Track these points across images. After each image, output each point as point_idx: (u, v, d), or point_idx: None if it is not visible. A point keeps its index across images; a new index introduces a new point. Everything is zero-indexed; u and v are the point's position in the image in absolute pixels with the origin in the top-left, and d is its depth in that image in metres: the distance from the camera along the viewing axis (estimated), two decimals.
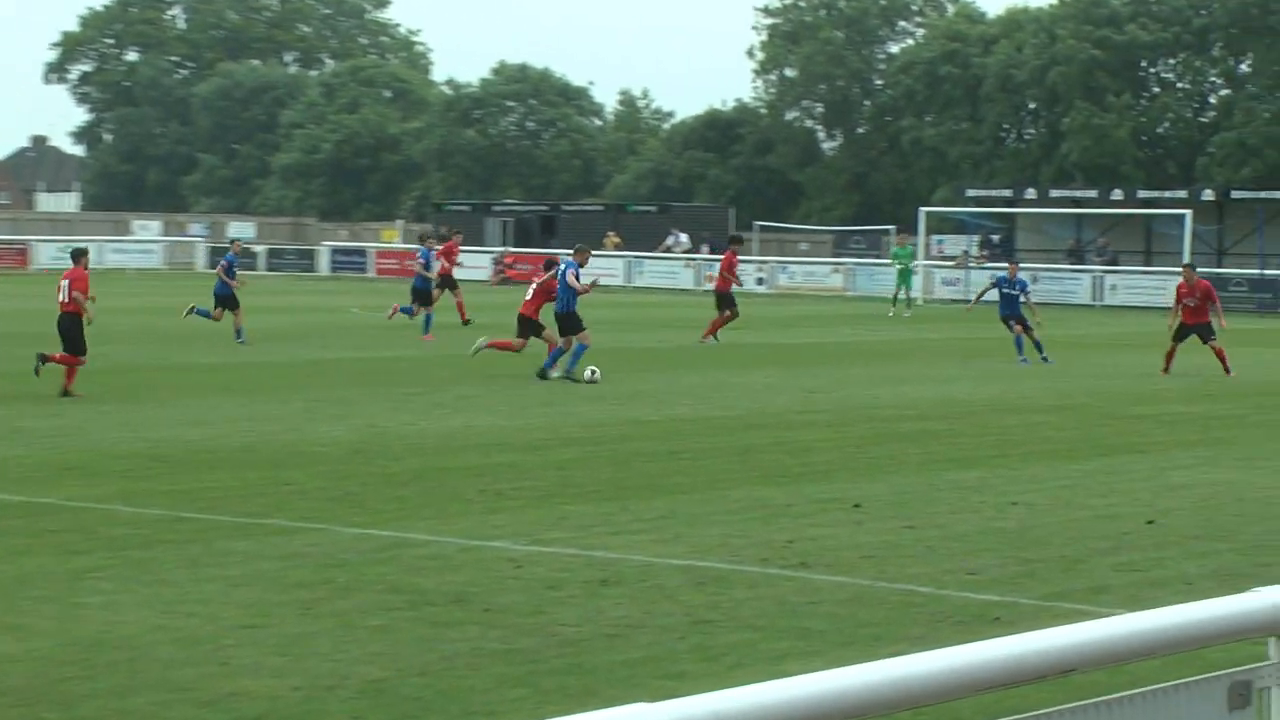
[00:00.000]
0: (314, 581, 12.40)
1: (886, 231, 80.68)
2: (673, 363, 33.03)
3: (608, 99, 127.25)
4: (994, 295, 35.18)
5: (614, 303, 42.62)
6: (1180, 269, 34.14)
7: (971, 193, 75.12)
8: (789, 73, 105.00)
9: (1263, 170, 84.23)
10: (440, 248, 41.59)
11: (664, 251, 74.27)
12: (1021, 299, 34.32)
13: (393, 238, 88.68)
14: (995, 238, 73.18)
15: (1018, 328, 33.93)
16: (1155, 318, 53.46)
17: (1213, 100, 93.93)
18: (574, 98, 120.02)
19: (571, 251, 31.40)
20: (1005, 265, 39.32)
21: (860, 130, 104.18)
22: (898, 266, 54.23)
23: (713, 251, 76.74)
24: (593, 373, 27.82)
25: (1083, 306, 59.31)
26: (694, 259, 72.26)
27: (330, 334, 38.67)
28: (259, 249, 77.78)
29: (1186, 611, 5.00)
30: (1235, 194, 68.18)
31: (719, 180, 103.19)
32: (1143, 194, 69.35)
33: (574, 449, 19.91)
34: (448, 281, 41.25)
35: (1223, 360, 30.81)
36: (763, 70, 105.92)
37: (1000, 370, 32.06)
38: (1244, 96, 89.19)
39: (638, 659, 10.47)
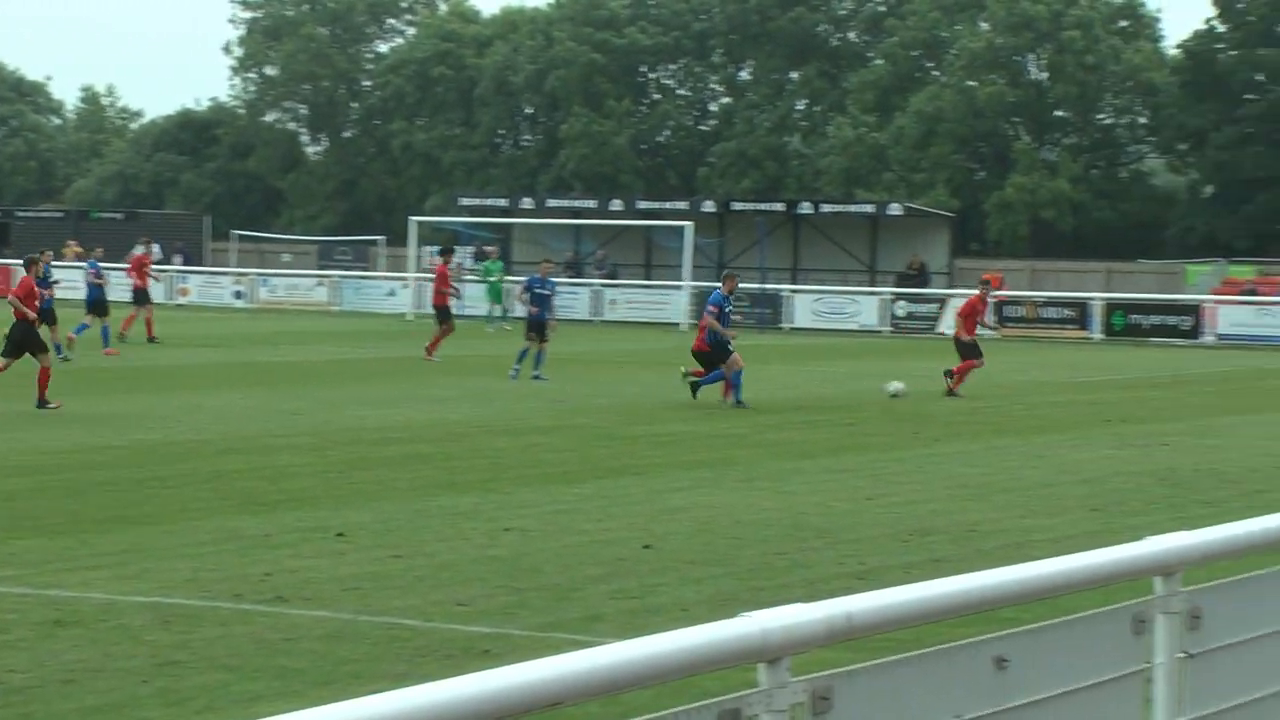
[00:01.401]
0: None
1: (374, 242, 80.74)
2: (139, 383, 32.31)
3: (68, 95, 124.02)
4: (520, 308, 35.79)
5: (75, 319, 41.48)
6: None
7: (466, 201, 75.80)
8: (270, 71, 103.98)
9: (763, 182, 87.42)
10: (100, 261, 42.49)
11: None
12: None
13: None
14: (490, 249, 73.95)
15: (534, 337, 34.44)
16: (657, 333, 54.91)
17: (714, 108, 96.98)
18: (29, 93, 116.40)
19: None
20: (535, 264, 40.51)
21: (347, 134, 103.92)
22: (490, 280, 55.43)
23: (185, 262, 75.48)
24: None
25: (581, 322, 60.40)
26: (165, 270, 70.87)
27: None
28: None
29: (678, 639, 5.08)
30: (736, 205, 70.52)
31: (193, 185, 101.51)
32: (643, 204, 71.07)
33: (25, 478, 19.26)
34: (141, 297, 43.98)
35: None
36: (241, 68, 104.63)
37: (497, 389, 32.39)
38: (744, 105, 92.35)
39: (95, 706, 10.16)
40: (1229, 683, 7.09)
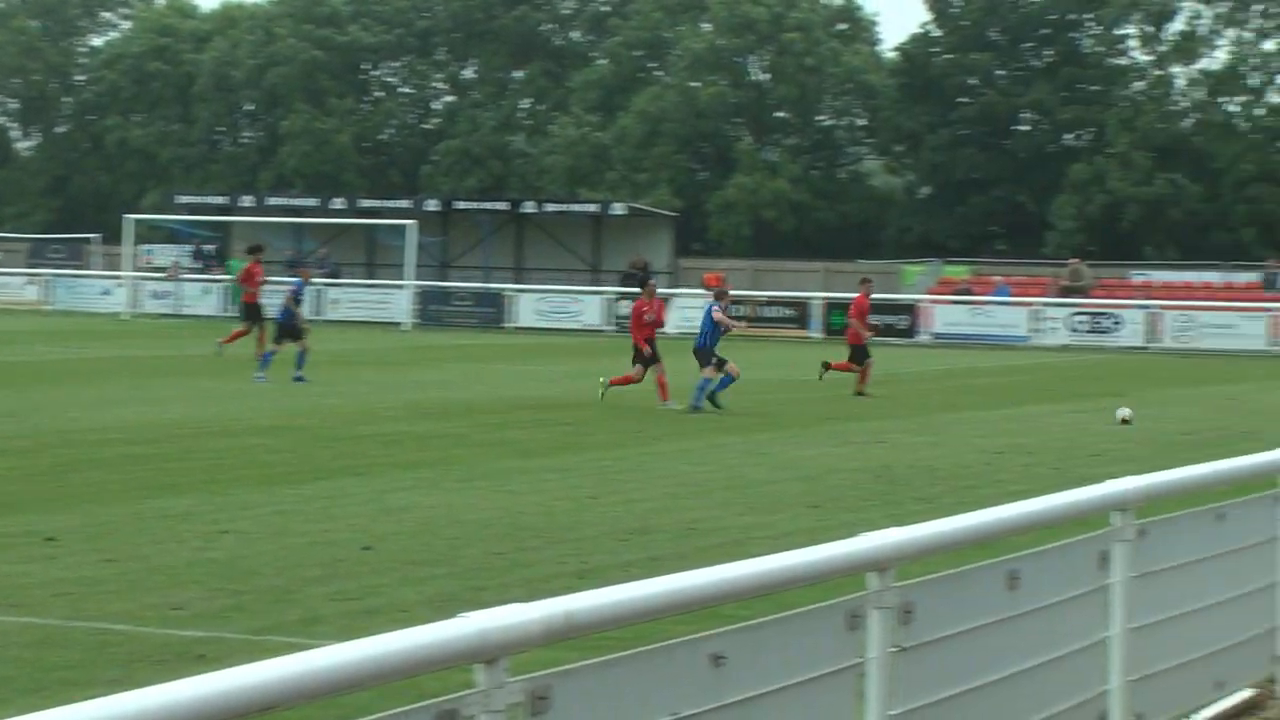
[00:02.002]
0: None
1: (88, 240, 79.16)
2: None
3: None
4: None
5: None
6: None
7: (183, 199, 74.67)
8: None
9: (488, 180, 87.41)
10: None
11: None
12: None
13: None
14: (209, 248, 72.96)
15: (289, 340, 34.35)
16: (379, 333, 54.60)
17: (437, 107, 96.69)
18: None
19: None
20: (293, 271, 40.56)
21: (60, 129, 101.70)
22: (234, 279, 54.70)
23: None
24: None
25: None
26: None
27: None
28: None
29: (396, 640, 5.06)
30: (459, 204, 70.40)
31: None
32: (365, 203, 70.65)
33: None
34: None
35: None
36: None
37: (217, 389, 31.96)
38: (468, 104, 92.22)
39: None
40: (940, 676, 7.25)
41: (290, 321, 35.31)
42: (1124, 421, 28.97)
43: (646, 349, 31.53)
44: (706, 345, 31.28)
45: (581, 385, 35.05)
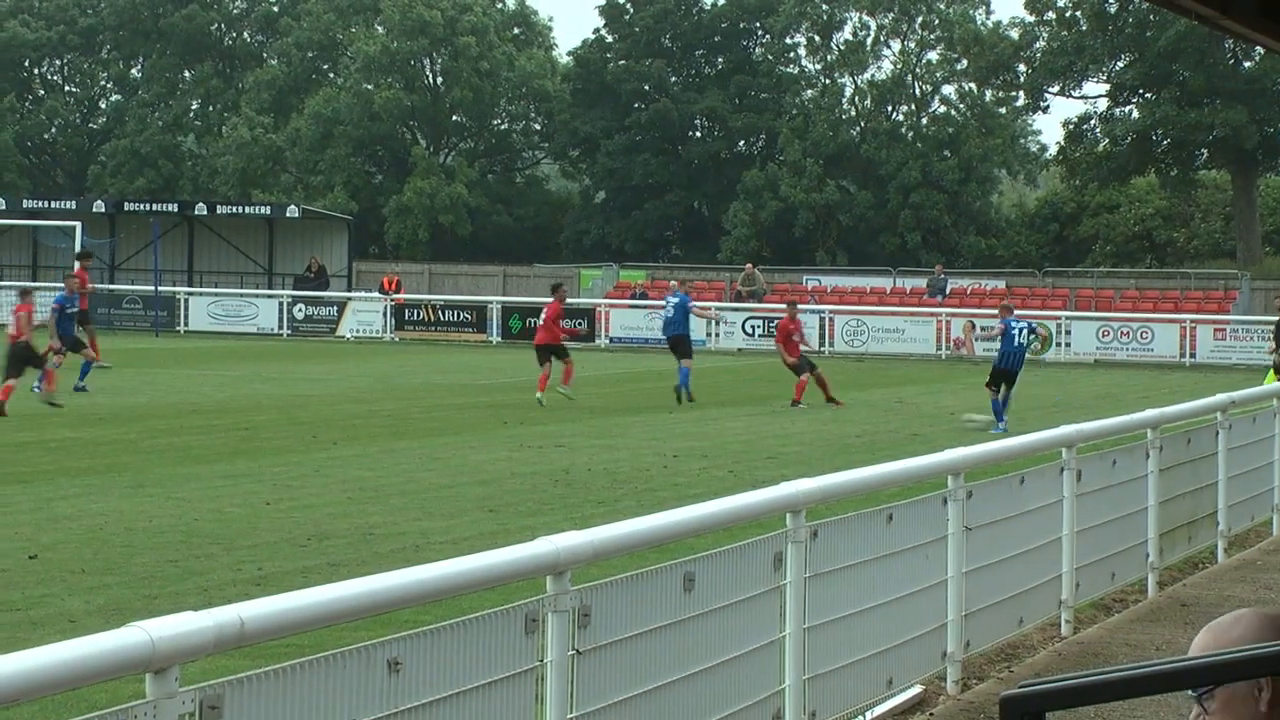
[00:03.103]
0: None
1: None
2: None
3: None
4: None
5: None
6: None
7: None
8: None
9: (158, 181, 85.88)
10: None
11: None
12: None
13: None
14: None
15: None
16: (44, 338, 53.19)
17: (103, 105, 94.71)
18: None
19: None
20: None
21: None
22: None
23: None
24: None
25: None
26: None
27: None
28: None
29: (60, 651, 4.95)
30: (129, 206, 69.04)
31: None
32: (29, 204, 68.87)
33: None
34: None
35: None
36: None
37: None
38: (137, 103, 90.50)
39: None
40: (617, 678, 7.29)
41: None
42: (972, 425, 29.43)
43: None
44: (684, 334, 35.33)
45: (255, 389, 34.61)
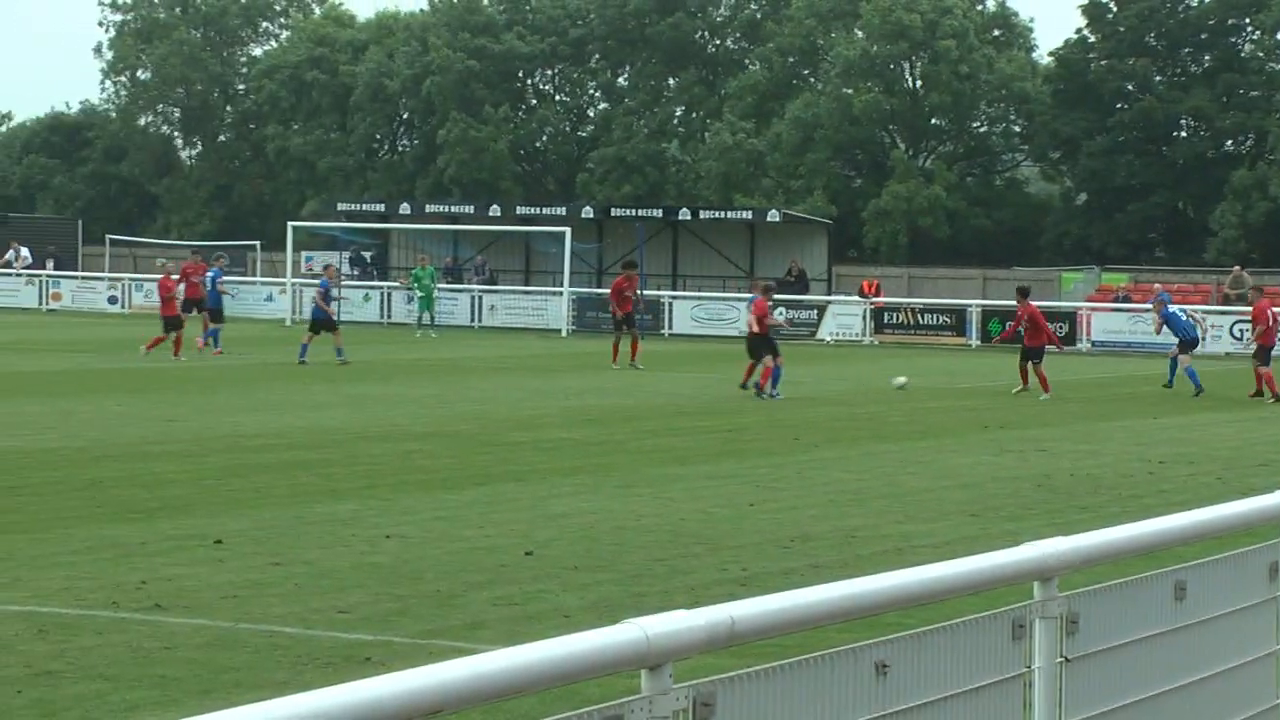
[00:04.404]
0: None
1: (252, 247, 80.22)
2: (9, 389, 31.92)
3: None
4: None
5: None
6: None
7: (343, 206, 75.31)
8: (142, 75, 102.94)
9: (643, 187, 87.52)
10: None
11: (3, 267, 71.89)
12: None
13: None
14: (368, 255, 73.65)
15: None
16: (536, 339, 54.87)
17: (591, 114, 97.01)
18: None
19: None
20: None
21: (223, 138, 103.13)
22: (419, 293, 56.36)
23: (57, 267, 74.65)
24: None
25: (461, 327, 60.27)
26: (37, 275, 70.18)
27: None
28: None
29: (560, 645, 5.08)
30: (615, 212, 70.51)
31: (65, 189, 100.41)
32: (522, 210, 70.92)
33: None
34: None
35: (1043, 382, 35.09)
36: (111, 71, 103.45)
37: (374, 395, 32.27)
38: (622, 112, 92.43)
39: None
40: (1106, 687, 7.18)
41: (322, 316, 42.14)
42: (900, 388, 31.28)
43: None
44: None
45: (737, 392, 35.02)
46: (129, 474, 20.42)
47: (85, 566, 14.54)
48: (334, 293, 45.46)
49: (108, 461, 21.57)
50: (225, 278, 49.24)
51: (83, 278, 73.96)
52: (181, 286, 44.43)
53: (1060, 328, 55.89)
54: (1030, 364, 35.81)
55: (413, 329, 57.22)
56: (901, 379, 35.92)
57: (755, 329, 34.62)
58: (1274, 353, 36.81)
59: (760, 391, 33.40)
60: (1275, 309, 37.27)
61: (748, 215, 69.91)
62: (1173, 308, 40.69)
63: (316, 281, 46.29)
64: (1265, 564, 8.53)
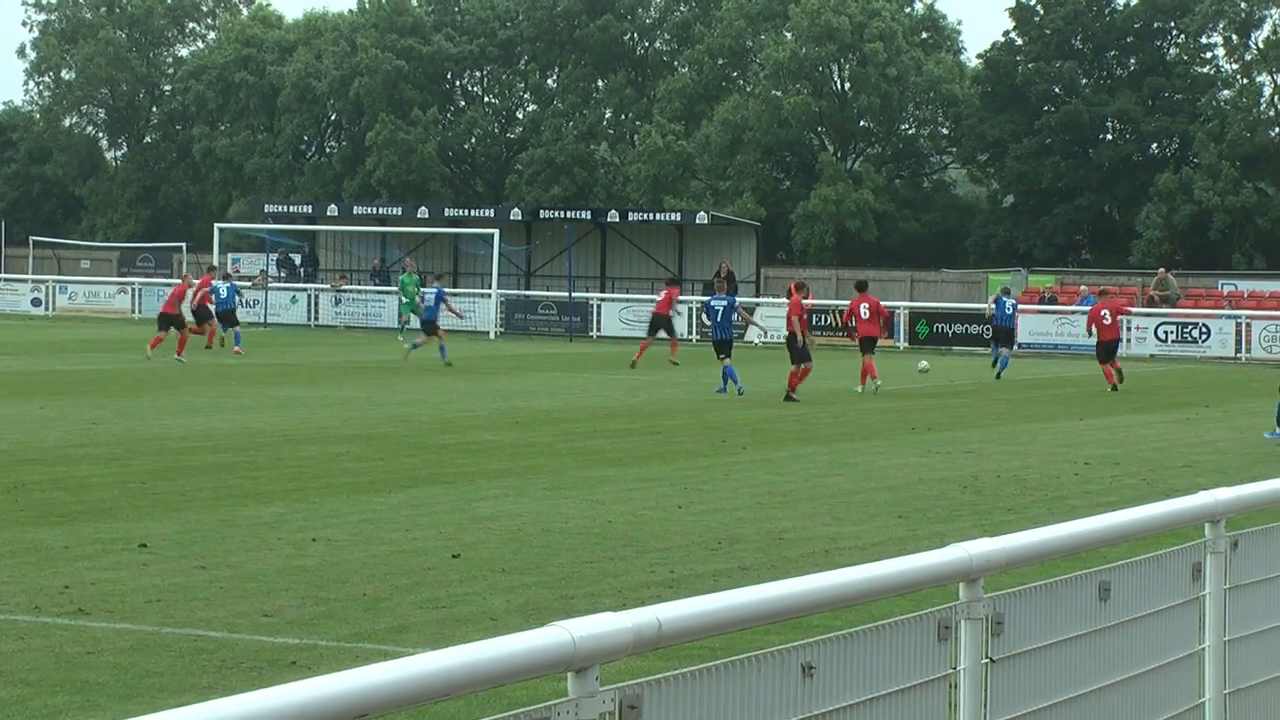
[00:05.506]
0: None
1: (179, 248, 79.79)
2: None
3: None
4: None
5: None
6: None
7: (270, 208, 75.02)
8: (66, 75, 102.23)
9: (572, 189, 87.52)
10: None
11: None
12: None
13: None
14: (296, 257, 73.39)
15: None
16: (464, 341, 54.76)
17: (520, 116, 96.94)
18: None
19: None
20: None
21: (148, 140, 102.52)
22: (403, 299, 55.45)
23: None
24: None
25: (387, 329, 60.08)
26: None
27: None
28: None
29: (486, 648, 5.07)
30: (544, 214, 70.52)
31: None
32: (450, 212, 70.86)
33: None
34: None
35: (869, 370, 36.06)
36: (35, 71, 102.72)
37: (302, 397, 32.14)
38: (552, 113, 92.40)
39: None
40: (1031, 687, 7.21)
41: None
42: (922, 370, 33.74)
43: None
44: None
45: (668, 394, 35.05)
46: (52, 477, 20.28)
47: (7, 570, 14.43)
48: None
49: (30, 465, 21.41)
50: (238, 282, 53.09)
51: (5, 279, 73.47)
52: (190, 293, 46.14)
53: (987, 329, 56.14)
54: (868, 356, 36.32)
55: (398, 335, 56.80)
56: (924, 364, 41.12)
57: (797, 330, 34.39)
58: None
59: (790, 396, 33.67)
60: (1106, 309, 39.65)
61: (676, 217, 70.01)
62: (1007, 299, 44.74)
63: (431, 290, 46.79)
64: (1188, 564, 8.58)
